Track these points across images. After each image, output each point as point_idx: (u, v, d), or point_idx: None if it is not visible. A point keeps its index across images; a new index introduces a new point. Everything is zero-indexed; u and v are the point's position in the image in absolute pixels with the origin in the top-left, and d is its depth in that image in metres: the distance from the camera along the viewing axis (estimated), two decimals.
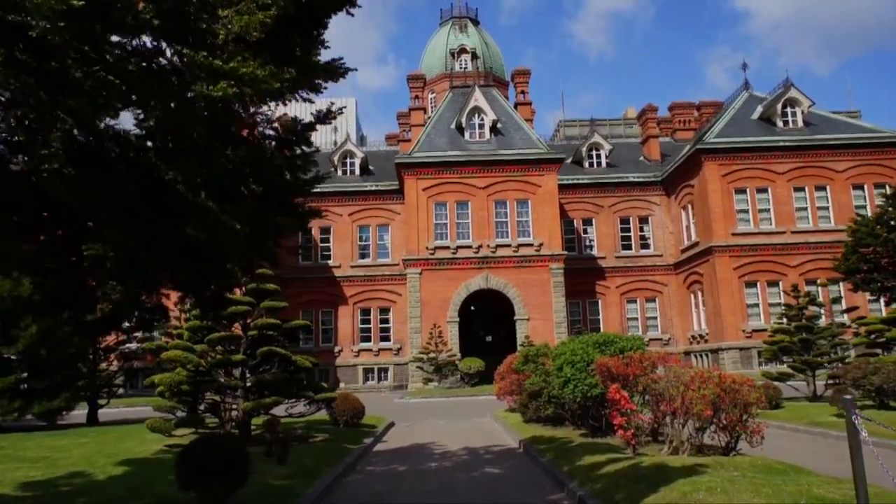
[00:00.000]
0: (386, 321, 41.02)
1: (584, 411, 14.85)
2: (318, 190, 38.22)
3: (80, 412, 23.59)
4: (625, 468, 9.49)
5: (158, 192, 5.39)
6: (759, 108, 39.59)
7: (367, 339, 40.83)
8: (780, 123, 38.42)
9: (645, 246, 41.99)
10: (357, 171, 43.50)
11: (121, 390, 33.20)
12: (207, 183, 5.49)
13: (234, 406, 15.00)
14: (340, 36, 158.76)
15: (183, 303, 16.30)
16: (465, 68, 45.41)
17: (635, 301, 41.50)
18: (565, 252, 37.85)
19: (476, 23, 52.41)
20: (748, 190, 37.28)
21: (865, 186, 37.33)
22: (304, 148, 7.22)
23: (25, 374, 19.74)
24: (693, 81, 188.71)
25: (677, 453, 10.66)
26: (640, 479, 8.63)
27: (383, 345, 40.60)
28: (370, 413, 22.05)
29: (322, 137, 57.18)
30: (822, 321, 24.59)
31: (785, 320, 30.51)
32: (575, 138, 50.25)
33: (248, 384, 14.52)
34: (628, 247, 41.88)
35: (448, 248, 37.57)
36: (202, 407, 15.50)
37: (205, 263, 6.36)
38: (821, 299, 25.60)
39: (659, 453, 11.15)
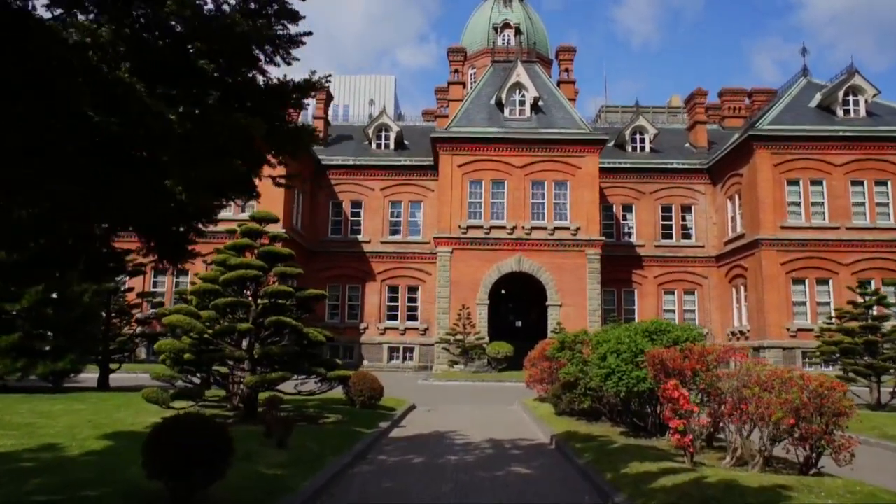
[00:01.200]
0: (414, 300, 39.47)
1: (626, 407, 13.07)
2: (351, 162, 36.69)
3: (92, 376, 22.49)
4: (685, 483, 7.69)
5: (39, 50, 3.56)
6: (818, 96, 36.91)
7: (394, 318, 39.34)
8: (840, 112, 35.74)
9: (686, 236, 39.70)
10: (392, 146, 41.83)
11: (143, 355, 32.27)
12: (129, 51, 3.80)
13: (241, 379, 13.51)
14: (380, 14, 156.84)
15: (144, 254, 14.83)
16: (508, 44, 43.26)
17: (673, 293, 39.32)
18: (603, 238, 35.81)
19: None
20: (801, 181, 34.76)
21: None
22: (284, 22, 5.23)
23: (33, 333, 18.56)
24: (740, 73, 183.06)
25: (744, 466, 8.84)
26: (708, 502, 6.85)
27: (410, 324, 39.07)
28: (390, 394, 20.52)
29: (358, 111, 55.71)
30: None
31: (838, 320, 28.28)
32: (616, 124, 47.89)
33: (255, 356, 12.98)
34: (669, 236, 39.63)
35: (481, 227, 35.77)
36: (209, 379, 14.07)
37: (135, 175, 4.62)
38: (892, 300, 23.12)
39: (719, 463, 9.34)
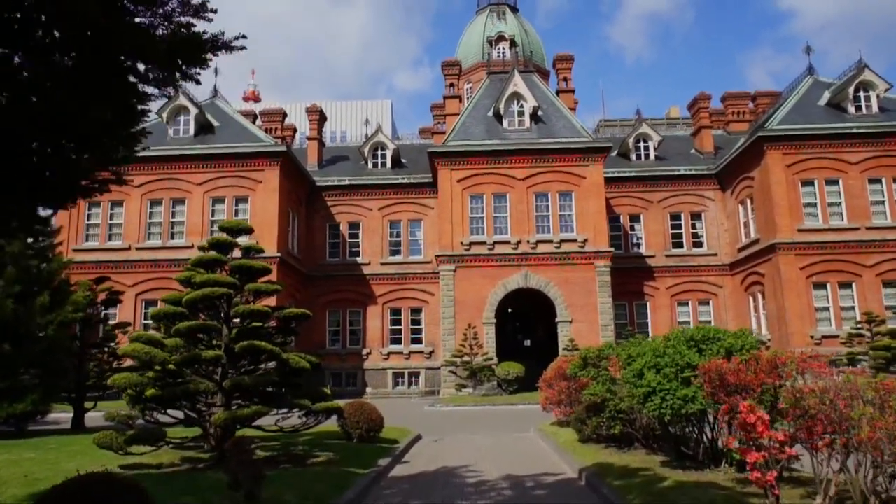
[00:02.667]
0: (417, 322, 37.22)
1: (666, 432, 10.82)
2: (347, 182, 34.64)
3: (68, 415, 20.28)
4: None
5: None
6: (827, 94, 34.92)
7: (398, 342, 37.07)
8: (851, 109, 33.71)
9: (698, 244, 37.51)
10: (388, 164, 39.87)
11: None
12: None
13: (210, 417, 11.30)
14: (379, 42, 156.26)
15: None
16: (504, 57, 41.50)
17: (687, 304, 37.03)
18: (612, 249, 33.63)
19: (515, 10, 48.43)
20: (816, 182, 32.64)
21: None
22: None
23: None
24: (735, 84, 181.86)
25: None
26: None
27: (414, 347, 36.79)
28: (394, 423, 18.27)
29: (354, 136, 53.97)
30: None
31: (867, 325, 26.30)
32: (618, 135, 45.94)
33: (225, 388, 10.79)
34: (679, 245, 37.44)
35: (484, 243, 33.64)
36: (185, 416, 11.87)
37: None
38: None
39: None
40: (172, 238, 34.03)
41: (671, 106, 73.78)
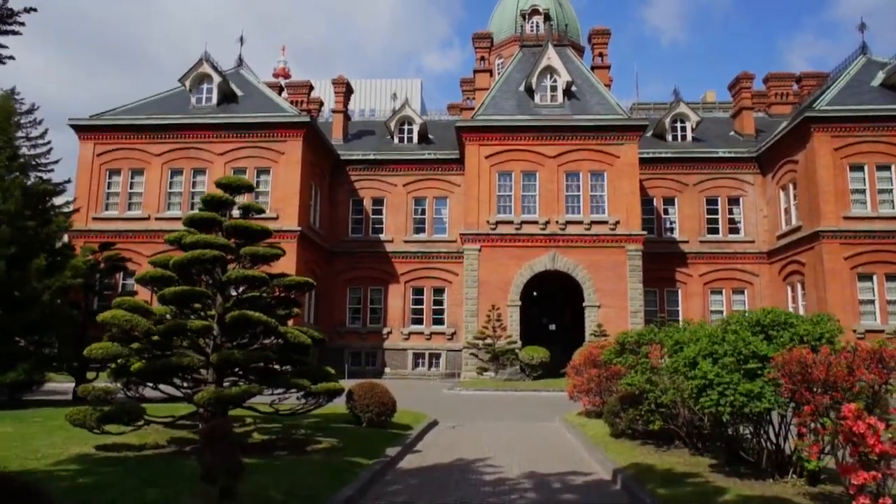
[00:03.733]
0: (440, 303, 35.78)
1: (718, 431, 9.21)
2: (372, 157, 33.20)
3: (69, 386, 19.26)
4: None
5: None
6: (881, 74, 32.49)
7: (419, 322, 35.69)
8: None
9: (734, 230, 35.42)
10: (415, 139, 38.30)
11: None
12: None
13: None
14: (410, 21, 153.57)
15: None
16: (537, 31, 39.47)
17: (720, 292, 35.05)
18: (644, 232, 31.77)
19: None
20: (866, 167, 30.36)
21: None
22: None
23: None
24: (773, 69, 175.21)
25: None
26: None
27: (436, 328, 35.39)
28: (410, 406, 16.94)
29: (383, 109, 52.40)
30: None
31: None
32: (653, 117, 43.75)
33: (212, 363, 9.41)
34: (715, 231, 35.38)
35: (511, 222, 31.98)
36: (185, 391, 10.55)
37: None
38: None
39: None
40: (193, 209, 32.90)
41: (707, 90, 70.89)
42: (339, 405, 14.06)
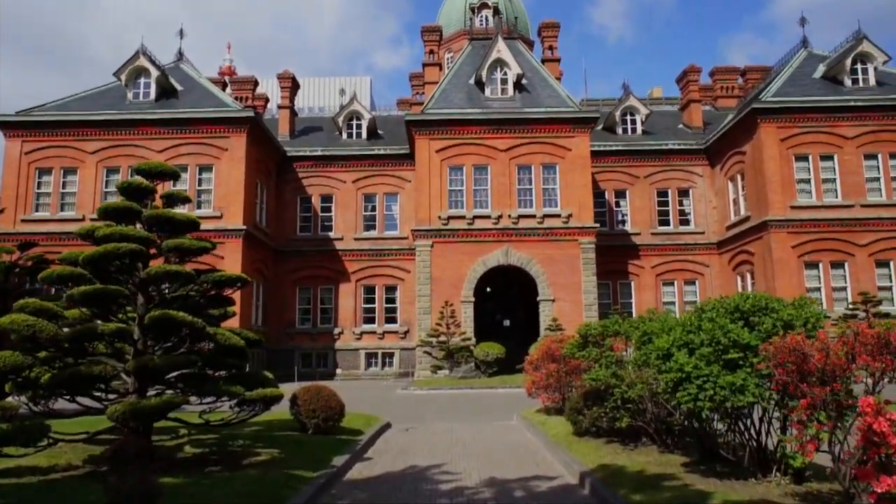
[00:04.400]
0: (392, 301, 34.70)
1: (696, 428, 8.46)
2: (320, 153, 31.85)
3: None
4: None
5: None
6: (822, 67, 32.73)
7: (371, 321, 34.54)
8: (848, 82, 31.56)
9: (685, 222, 35.30)
10: (364, 135, 37.11)
11: None
12: None
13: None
14: (358, 19, 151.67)
15: None
16: (487, 25, 38.76)
17: (672, 283, 34.88)
18: (597, 225, 31.30)
19: None
20: (810, 157, 30.50)
21: None
22: None
23: None
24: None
25: None
26: None
27: (388, 327, 34.30)
28: (361, 409, 15.94)
29: (329, 99, 51.00)
30: None
31: (863, 305, 24.57)
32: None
33: (130, 370, 8.21)
34: (666, 222, 35.20)
35: (464, 217, 31.13)
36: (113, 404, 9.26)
37: None
38: None
39: None
40: None
41: (654, 87, 71.45)
42: (281, 411, 12.96)
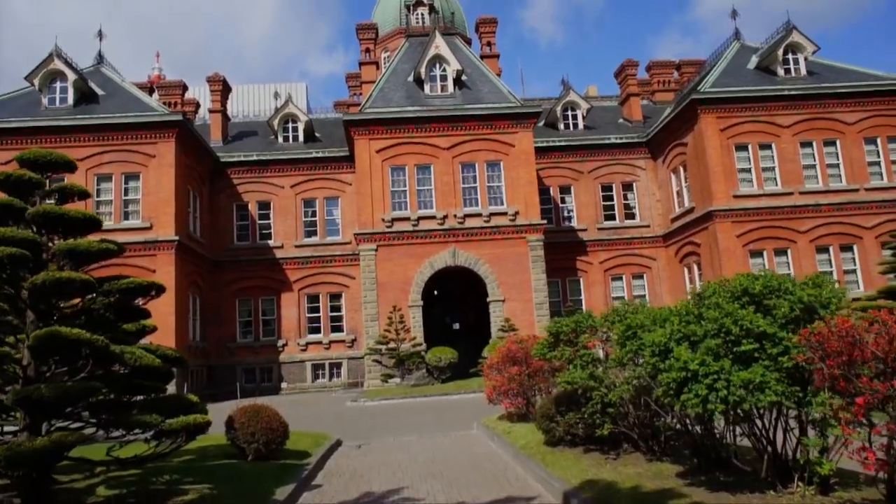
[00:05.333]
0: (338, 309, 33.01)
1: (703, 433, 7.32)
2: (255, 158, 29.90)
3: None
4: None
5: None
6: (755, 58, 32.74)
7: (317, 331, 32.77)
8: (780, 72, 31.64)
9: (630, 216, 34.81)
10: (301, 138, 35.34)
11: None
12: None
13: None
14: (291, 26, 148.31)
15: None
16: (423, 23, 37.57)
17: (621, 278, 34.32)
18: (545, 222, 30.42)
19: None
20: (750, 146, 30.36)
21: (879, 140, 30.81)
22: None
23: None
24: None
25: None
26: None
27: (335, 336, 32.59)
28: (308, 426, 14.38)
29: (264, 106, 48.89)
30: None
31: None
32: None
33: (8, 403, 6.55)
34: (612, 217, 34.63)
35: (408, 219, 29.76)
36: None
37: None
38: None
39: None
40: None
41: (589, 86, 71.56)
42: (216, 436, 11.33)
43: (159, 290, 7.86)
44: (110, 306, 7.86)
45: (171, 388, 26.64)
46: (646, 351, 6.39)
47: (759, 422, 6.13)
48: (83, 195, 8.19)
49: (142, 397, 8.28)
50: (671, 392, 5.95)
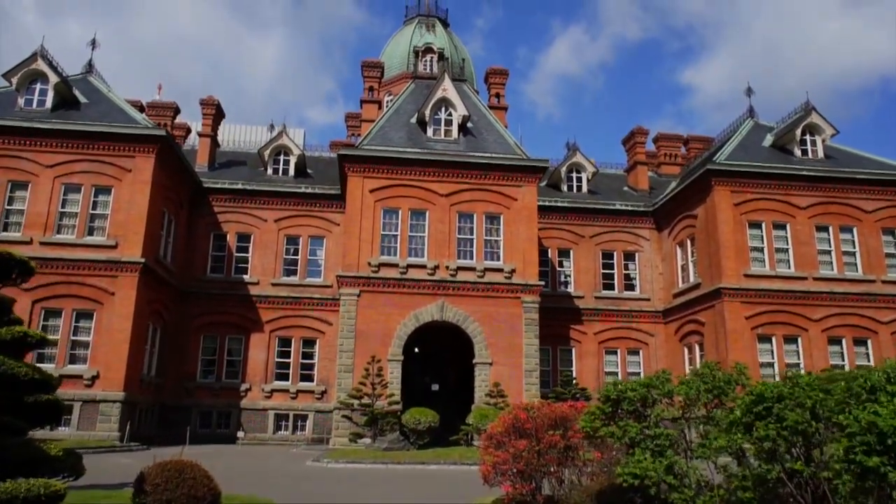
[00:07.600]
0: (310, 356, 29.70)
1: None
2: (240, 187, 26.66)
3: None
4: None
5: None
6: (770, 137, 31.04)
7: (285, 377, 29.34)
8: (797, 152, 29.83)
9: (630, 287, 32.22)
10: (291, 172, 32.75)
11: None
12: None
13: None
14: (294, 74, 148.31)
15: None
16: (431, 69, 35.74)
17: (615, 352, 31.42)
18: (542, 283, 27.71)
19: (445, 24, 42.99)
20: (763, 224, 28.20)
21: None
22: None
23: None
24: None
25: None
26: None
27: (304, 385, 29.17)
28: (255, 488, 11.15)
29: (257, 138, 46.52)
30: None
31: None
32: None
33: None
34: (611, 286, 32.00)
35: (396, 265, 26.91)
36: None
37: None
38: None
39: None
40: (6, 230, 25.42)
41: (589, 158, 70.35)
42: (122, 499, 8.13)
43: (25, 270, 4.94)
44: None
45: (70, 428, 22.62)
46: (857, 444, 3.52)
47: None
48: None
49: None
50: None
